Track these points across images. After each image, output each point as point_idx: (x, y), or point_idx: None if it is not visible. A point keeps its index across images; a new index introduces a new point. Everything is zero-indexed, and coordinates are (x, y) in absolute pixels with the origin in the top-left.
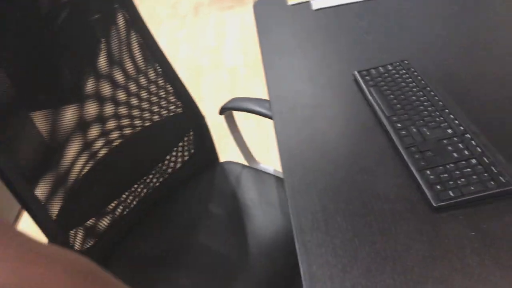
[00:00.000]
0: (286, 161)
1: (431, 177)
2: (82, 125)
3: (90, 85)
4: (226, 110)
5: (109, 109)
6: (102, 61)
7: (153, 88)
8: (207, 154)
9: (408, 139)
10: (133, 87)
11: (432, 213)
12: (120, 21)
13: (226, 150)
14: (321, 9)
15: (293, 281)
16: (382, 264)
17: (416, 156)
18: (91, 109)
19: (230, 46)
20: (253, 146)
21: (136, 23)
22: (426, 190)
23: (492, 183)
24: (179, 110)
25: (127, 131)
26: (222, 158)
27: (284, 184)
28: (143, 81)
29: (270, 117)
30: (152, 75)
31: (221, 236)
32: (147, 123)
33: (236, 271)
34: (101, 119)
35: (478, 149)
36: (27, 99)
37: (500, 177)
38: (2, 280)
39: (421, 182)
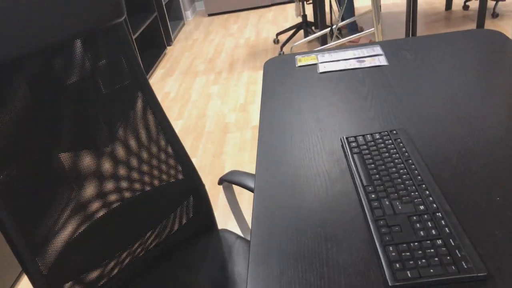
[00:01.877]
0: (256, 223)
1: (393, 254)
2: (81, 182)
3: (98, 149)
4: (223, 182)
5: (110, 171)
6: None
7: (157, 155)
8: (204, 220)
9: (379, 211)
10: (138, 155)
11: None
12: (133, 90)
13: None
14: (326, 72)
15: None
16: None
17: (383, 230)
18: (93, 167)
19: (258, 105)
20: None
21: (145, 89)
22: (385, 268)
23: (453, 267)
24: (180, 177)
25: (127, 194)
26: (225, 222)
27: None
28: (150, 149)
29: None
30: (159, 143)
31: None
32: (147, 188)
33: None
34: (101, 179)
35: (447, 229)
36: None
37: (463, 263)
38: None
39: (382, 258)
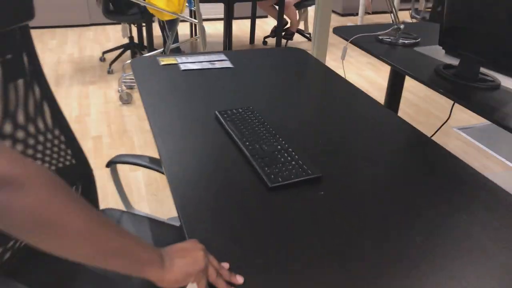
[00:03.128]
0: (169, 167)
1: (268, 171)
2: None
3: None
4: (112, 164)
5: None
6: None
7: (49, 140)
8: (91, 203)
9: (254, 151)
10: (30, 139)
11: (268, 192)
12: (27, 70)
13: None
14: (187, 70)
15: None
16: (237, 224)
17: (259, 160)
18: None
19: (94, 117)
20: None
21: (38, 77)
22: (264, 178)
23: (304, 173)
24: (72, 162)
25: None
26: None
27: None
28: (46, 135)
29: (148, 167)
30: (54, 131)
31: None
32: None
33: None
34: None
35: (296, 156)
36: None
37: (308, 170)
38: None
39: (262, 174)
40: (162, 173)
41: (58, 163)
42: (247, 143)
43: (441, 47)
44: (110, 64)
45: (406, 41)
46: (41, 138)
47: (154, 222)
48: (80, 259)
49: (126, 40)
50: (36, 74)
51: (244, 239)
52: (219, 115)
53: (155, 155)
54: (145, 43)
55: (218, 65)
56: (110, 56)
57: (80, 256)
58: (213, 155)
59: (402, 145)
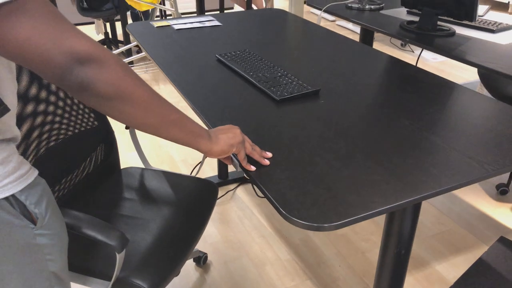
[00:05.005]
0: (189, 95)
1: (274, 89)
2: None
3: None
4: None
5: (39, 121)
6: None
7: (74, 105)
8: (112, 162)
9: (258, 78)
10: (63, 106)
11: (277, 104)
12: None
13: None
14: (181, 29)
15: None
16: (252, 131)
17: (264, 84)
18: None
19: None
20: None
21: None
22: (272, 94)
23: (305, 88)
24: (95, 123)
25: (60, 136)
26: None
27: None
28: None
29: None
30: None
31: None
32: (69, 133)
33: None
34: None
35: (294, 77)
36: None
37: (308, 86)
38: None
39: (269, 92)
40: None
41: (83, 125)
42: (251, 73)
43: (403, 8)
44: None
45: (372, 6)
46: (69, 101)
47: (173, 175)
48: (148, 127)
49: (101, 37)
50: None
51: (260, 142)
52: (220, 57)
53: None
54: (120, 38)
55: (208, 24)
56: None
57: (148, 124)
58: (223, 86)
59: (382, 68)
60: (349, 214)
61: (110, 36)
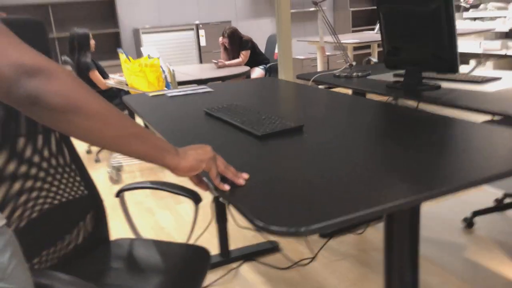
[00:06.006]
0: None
1: (256, 128)
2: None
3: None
4: (121, 192)
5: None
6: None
7: (65, 173)
8: (101, 233)
9: (244, 121)
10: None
11: (259, 140)
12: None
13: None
14: (174, 96)
15: None
16: (236, 165)
17: (249, 124)
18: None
19: None
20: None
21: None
22: (255, 131)
23: (288, 125)
24: (85, 192)
25: (44, 206)
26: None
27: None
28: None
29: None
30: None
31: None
32: (55, 202)
33: None
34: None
35: (279, 118)
36: None
37: (291, 124)
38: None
39: (251, 130)
40: (164, 190)
41: (72, 193)
42: (236, 118)
43: (390, 73)
44: (97, 154)
45: (359, 74)
46: (60, 170)
47: (163, 244)
48: (107, 141)
49: None
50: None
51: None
52: (208, 110)
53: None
54: None
55: (200, 91)
56: (96, 148)
57: (107, 138)
58: (209, 133)
59: (370, 110)
60: (327, 218)
61: None
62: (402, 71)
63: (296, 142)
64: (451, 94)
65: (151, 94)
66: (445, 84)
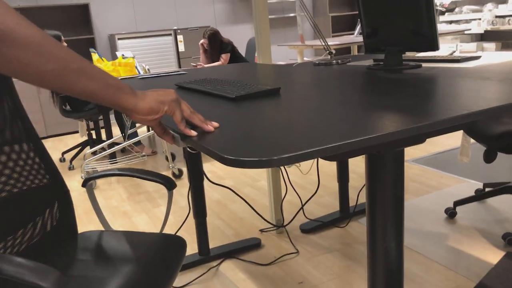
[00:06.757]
0: None
1: (230, 91)
2: None
3: None
4: (88, 181)
5: None
6: None
7: (24, 159)
8: (68, 226)
9: (218, 89)
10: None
11: (234, 102)
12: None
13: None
14: (145, 78)
15: None
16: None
17: (222, 90)
18: None
19: None
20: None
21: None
22: (228, 95)
23: (264, 88)
24: (46, 181)
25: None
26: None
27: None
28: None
29: (121, 175)
30: (25, 148)
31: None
32: (15, 190)
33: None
34: None
35: (254, 84)
36: None
37: (268, 87)
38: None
39: (225, 94)
40: (135, 176)
41: (34, 181)
42: (209, 87)
43: (370, 60)
44: (71, 161)
45: (339, 61)
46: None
47: (135, 234)
48: (49, 77)
49: (85, 138)
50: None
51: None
52: (179, 84)
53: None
54: (103, 137)
55: (174, 74)
56: (69, 156)
57: (48, 72)
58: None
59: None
60: (298, 149)
61: (94, 136)
62: (382, 56)
63: (273, 102)
64: (432, 71)
65: (120, 78)
66: (425, 64)
